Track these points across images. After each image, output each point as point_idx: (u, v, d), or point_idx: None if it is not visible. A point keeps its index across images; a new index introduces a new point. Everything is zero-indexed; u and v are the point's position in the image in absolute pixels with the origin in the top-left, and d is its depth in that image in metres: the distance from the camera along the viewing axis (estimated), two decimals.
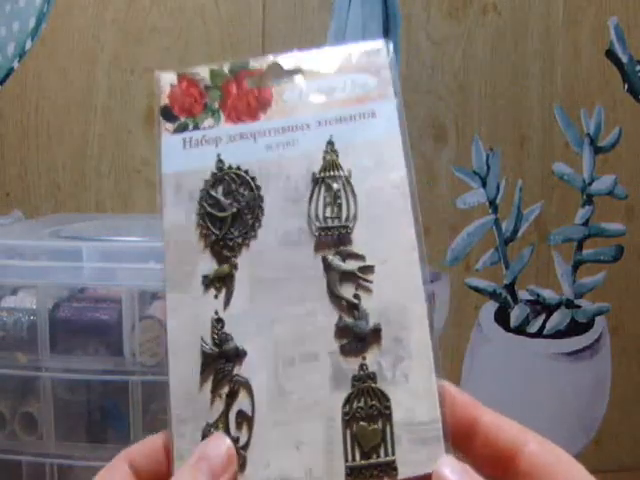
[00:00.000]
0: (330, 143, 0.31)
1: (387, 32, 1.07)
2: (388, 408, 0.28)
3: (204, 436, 0.28)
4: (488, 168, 1.12)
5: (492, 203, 1.13)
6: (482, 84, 1.11)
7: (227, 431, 0.28)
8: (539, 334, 1.16)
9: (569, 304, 1.16)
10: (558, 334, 1.16)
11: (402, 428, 0.28)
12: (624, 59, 1.13)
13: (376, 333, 0.29)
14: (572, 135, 1.13)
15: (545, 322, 1.16)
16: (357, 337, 0.29)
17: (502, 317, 1.15)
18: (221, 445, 0.27)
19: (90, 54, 1.03)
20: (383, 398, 0.28)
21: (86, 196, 1.05)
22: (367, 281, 0.29)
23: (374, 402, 0.28)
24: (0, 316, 0.68)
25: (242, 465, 0.27)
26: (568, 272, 1.15)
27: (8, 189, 1.04)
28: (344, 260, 0.30)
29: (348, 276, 0.29)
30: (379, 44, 0.33)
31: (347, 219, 0.30)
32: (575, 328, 1.16)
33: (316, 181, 0.31)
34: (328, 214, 0.30)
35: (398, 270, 0.30)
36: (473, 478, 0.26)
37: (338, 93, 0.32)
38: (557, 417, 1.15)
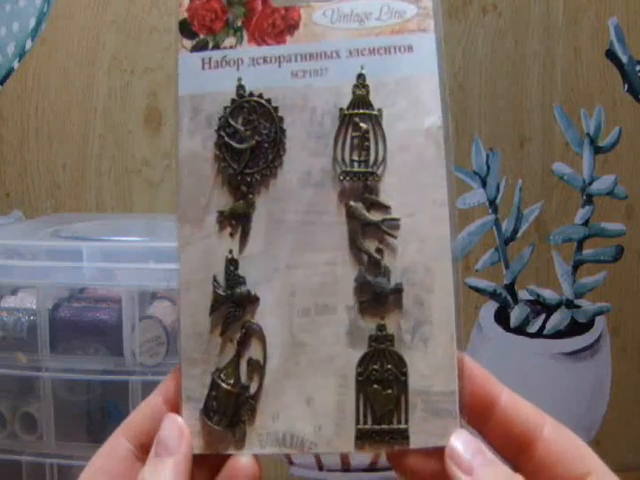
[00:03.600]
0: (361, 76, 0.28)
1: None
2: (404, 374, 0.27)
3: (213, 381, 0.27)
4: (488, 168, 1.12)
5: (492, 203, 1.13)
6: (482, 84, 1.11)
7: (237, 379, 0.27)
8: (539, 334, 1.16)
9: (569, 304, 1.16)
10: (558, 334, 1.16)
11: (417, 396, 0.26)
12: (624, 59, 1.13)
13: (397, 293, 0.27)
14: (572, 135, 1.13)
15: (545, 322, 1.16)
16: (377, 295, 0.27)
17: (502, 317, 1.15)
18: (172, 425, 0.27)
19: (90, 54, 1.03)
20: (400, 363, 0.27)
21: (86, 196, 1.05)
22: (392, 236, 0.27)
23: (390, 366, 0.27)
24: (0, 316, 0.68)
25: (251, 415, 0.27)
26: (568, 272, 1.15)
27: (8, 189, 1.04)
28: (368, 209, 0.28)
29: (372, 228, 0.27)
30: None
31: (375, 164, 0.28)
32: (575, 328, 1.16)
33: (343, 118, 0.28)
34: (355, 157, 0.28)
35: (425, 226, 0.27)
36: (486, 456, 0.25)
37: (372, 20, 0.28)
38: (557, 417, 1.15)
